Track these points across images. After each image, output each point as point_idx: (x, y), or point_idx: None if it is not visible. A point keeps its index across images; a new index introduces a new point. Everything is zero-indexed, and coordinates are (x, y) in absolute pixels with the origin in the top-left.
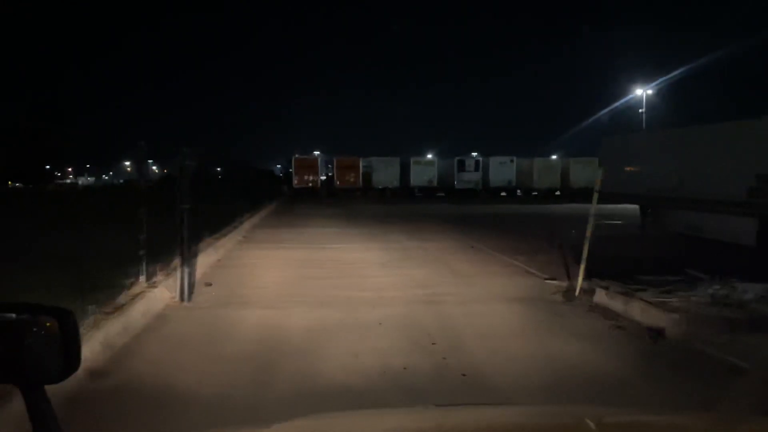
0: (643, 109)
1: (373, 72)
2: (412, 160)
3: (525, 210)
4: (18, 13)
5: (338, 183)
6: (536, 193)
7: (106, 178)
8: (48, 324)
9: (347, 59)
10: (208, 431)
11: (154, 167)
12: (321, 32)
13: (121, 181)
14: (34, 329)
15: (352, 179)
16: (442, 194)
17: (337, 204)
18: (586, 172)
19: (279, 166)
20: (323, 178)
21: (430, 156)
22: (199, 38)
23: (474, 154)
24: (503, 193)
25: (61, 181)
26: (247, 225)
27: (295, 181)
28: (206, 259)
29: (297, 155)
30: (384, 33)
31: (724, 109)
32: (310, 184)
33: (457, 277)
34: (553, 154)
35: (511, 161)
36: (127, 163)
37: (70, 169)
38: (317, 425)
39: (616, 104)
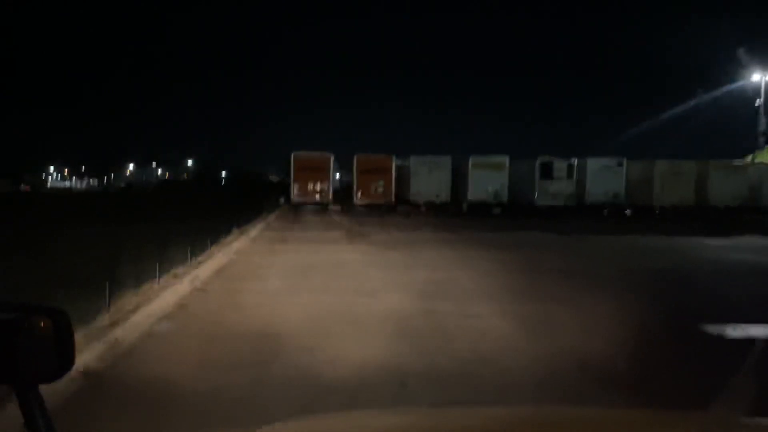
0: (761, 100)
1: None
2: (471, 160)
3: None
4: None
5: (360, 195)
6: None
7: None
8: (42, 323)
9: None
10: (205, 431)
11: (158, 170)
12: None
13: (122, 184)
14: (28, 329)
15: (381, 189)
16: (498, 211)
17: (365, 235)
18: (733, 182)
19: None
20: (337, 185)
21: (498, 157)
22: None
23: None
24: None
25: (59, 185)
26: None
27: (294, 191)
28: None
29: (297, 152)
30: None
31: None
32: (317, 196)
33: None
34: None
35: (619, 165)
36: (130, 166)
37: (66, 171)
38: (312, 425)
39: (721, 90)
